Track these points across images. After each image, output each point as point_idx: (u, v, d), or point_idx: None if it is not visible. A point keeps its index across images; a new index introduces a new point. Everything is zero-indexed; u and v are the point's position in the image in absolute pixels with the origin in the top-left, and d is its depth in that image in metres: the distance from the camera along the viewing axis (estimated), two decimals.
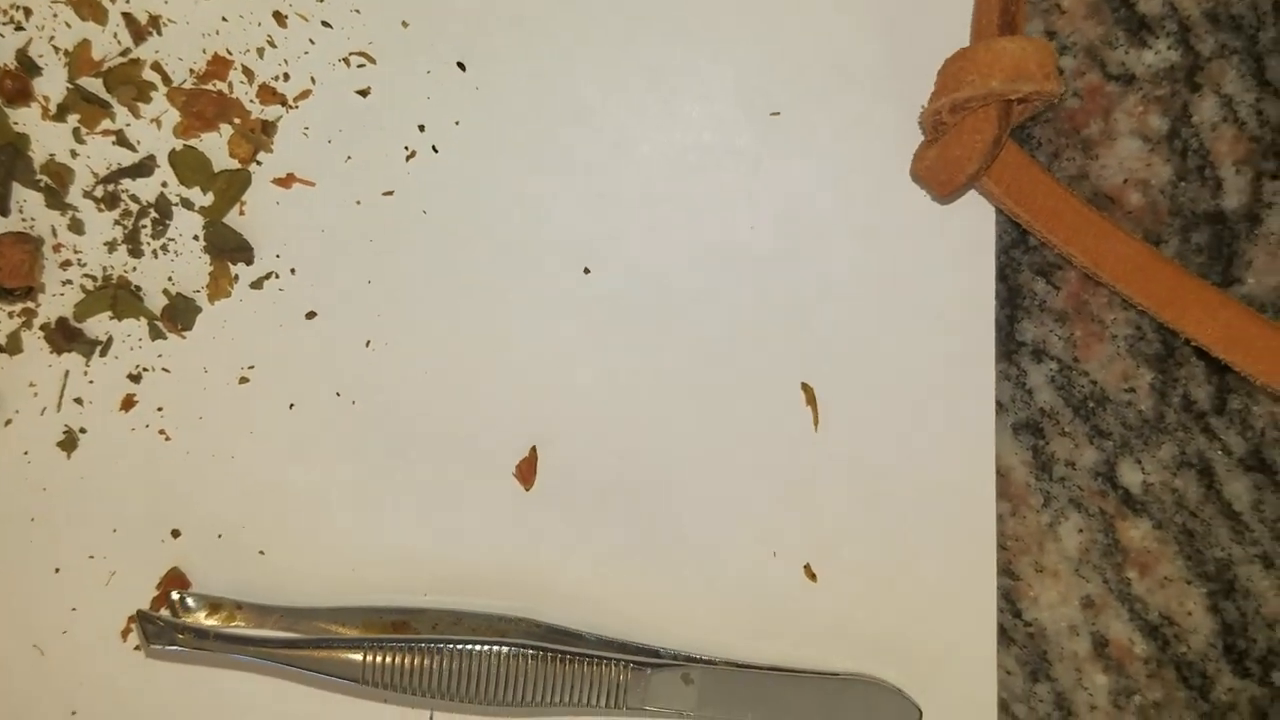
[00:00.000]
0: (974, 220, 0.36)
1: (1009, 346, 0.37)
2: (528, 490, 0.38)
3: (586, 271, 0.37)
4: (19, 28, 0.36)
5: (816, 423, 0.37)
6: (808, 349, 0.37)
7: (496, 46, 0.37)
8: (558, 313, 0.37)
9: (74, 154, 0.37)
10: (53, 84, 0.36)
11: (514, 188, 0.37)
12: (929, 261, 0.37)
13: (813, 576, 0.37)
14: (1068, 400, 0.37)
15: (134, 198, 0.37)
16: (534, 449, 0.37)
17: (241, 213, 0.37)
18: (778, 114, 0.36)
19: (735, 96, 0.37)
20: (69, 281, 0.37)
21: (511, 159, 0.37)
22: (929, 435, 0.37)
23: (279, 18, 0.36)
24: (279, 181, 0.37)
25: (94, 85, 0.36)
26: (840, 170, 0.37)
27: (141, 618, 0.36)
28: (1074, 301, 0.37)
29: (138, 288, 0.37)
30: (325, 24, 0.36)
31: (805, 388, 0.37)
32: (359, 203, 0.37)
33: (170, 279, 0.37)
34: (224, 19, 0.36)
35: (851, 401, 0.37)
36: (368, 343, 0.37)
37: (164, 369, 0.37)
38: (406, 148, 0.37)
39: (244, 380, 0.37)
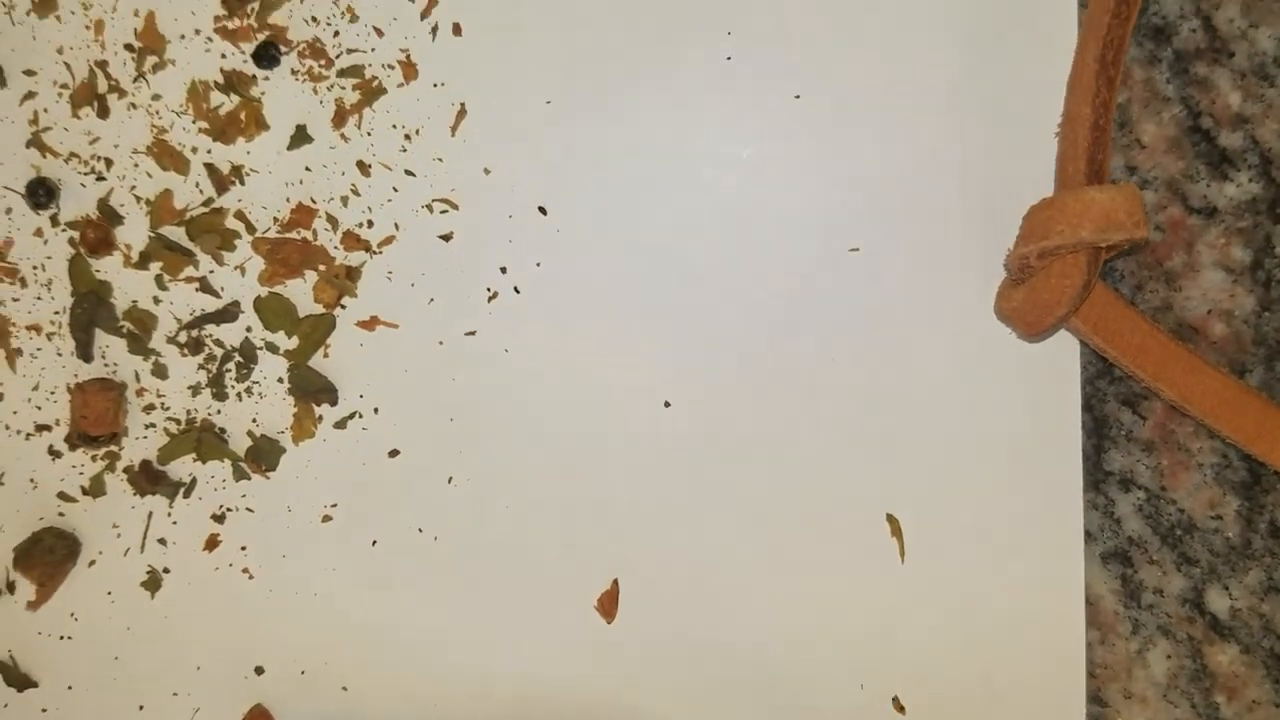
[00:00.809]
0: (1059, 352, 0.36)
1: (1097, 476, 0.37)
2: (609, 623, 0.37)
3: (667, 405, 0.37)
4: (100, 178, 0.37)
5: (903, 554, 0.37)
6: (892, 480, 0.37)
7: (576, 190, 0.37)
8: (638, 447, 0.37)
9: (156, 300, 0.37)
10: (135, 232, 0.37)
11: (594, 326, 0.37)
12: (1014, 393, 0.36)
13: (901, 709, 0.37)
14: (1155, 529, 0.37)
15: (218, 342, 0.37)
16: (615, 582, 0.37)
17: (326, 355, 0.37)
18: (857, 249, 0.36)
19: (815, 233, 0.37)
20: (152, 425, 0.37)
21: (592, 298, 0.37)
22: (1017, 565, 0.37)
23: (362, 167, 0.36)
24: (363, 324, 0.37)
25: (176, 234, 0.37)
26: (922, 304, 0.37)
27: None
28: (1160, 431, 0.37)
29: (222, 430, 0.37)
30: (409, 172, 0.36)
31: (890, 519, 0.37)
32: (441, 343, 0.37)
33: (254, 421, 0.37)
34: (307, 169, 0.36)
35: (938, 533, 0.37)
36: (450, 479, 0.37)
37: (248, 509, 0.37)
38: (489, 289, 0.37)
39: (327, 519, 0.37)
